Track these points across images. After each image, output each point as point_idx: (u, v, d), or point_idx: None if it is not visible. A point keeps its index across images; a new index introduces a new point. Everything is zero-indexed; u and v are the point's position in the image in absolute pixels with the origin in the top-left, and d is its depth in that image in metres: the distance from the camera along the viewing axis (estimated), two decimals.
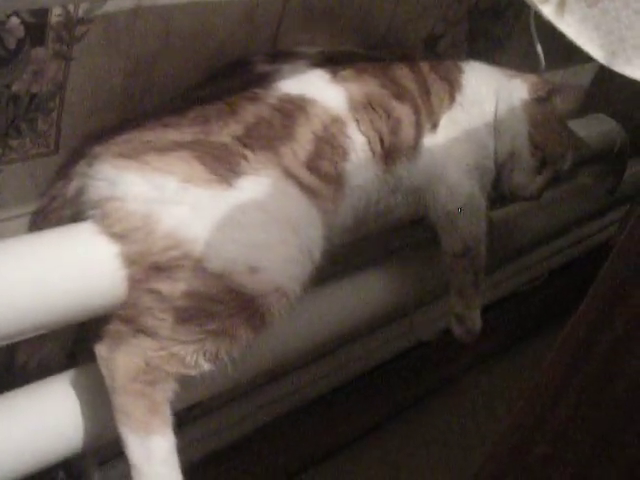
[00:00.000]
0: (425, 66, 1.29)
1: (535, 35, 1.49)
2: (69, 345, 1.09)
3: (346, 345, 1.76)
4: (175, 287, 0.93)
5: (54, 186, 1.04)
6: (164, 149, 0.98)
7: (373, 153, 1.15)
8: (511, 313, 2.23)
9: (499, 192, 1.40)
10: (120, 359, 0.93)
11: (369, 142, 1.14)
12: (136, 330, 0.93)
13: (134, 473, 0.91)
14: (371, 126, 1.14)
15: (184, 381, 0.97)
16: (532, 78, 1.40)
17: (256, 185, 0.99)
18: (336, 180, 1.09)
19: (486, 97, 1.35)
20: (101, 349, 0.94)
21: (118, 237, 0.93)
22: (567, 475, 0.86)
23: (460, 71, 1.35)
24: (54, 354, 1.08)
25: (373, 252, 1.45)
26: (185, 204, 0.94)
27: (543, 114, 1.35)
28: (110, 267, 0.93)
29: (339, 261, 1.15)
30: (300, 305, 1.05)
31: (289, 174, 1.03)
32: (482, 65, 1.41)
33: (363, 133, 1.13)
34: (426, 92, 1.26)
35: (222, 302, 0.94)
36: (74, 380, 1.00)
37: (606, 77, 1.93)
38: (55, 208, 1.03)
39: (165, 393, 0.95)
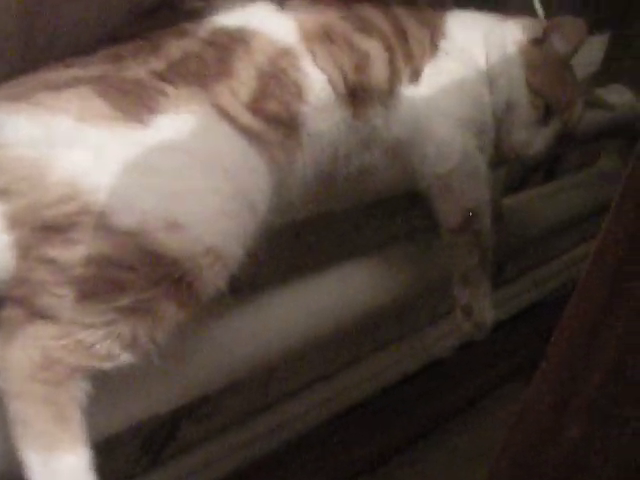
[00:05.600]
0: (400, 10, 1.11)
1: None
2: None
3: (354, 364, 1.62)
4: (73, 252, 0.72)
5: None
6: (61, 86, 0.79)
7: (336, 93, 0.97)
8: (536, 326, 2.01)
9: (501, 155, 1.20)
10: (14, 353, 0.72)
11: (329, 79, 0.96)
12: (31, 313, 0.73)
13: None
14: (331, 60, 0.96)
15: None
16: (526, 20, 1.23)
17: (177, 123, 0.80)
18: (288, 123, 0.91)
19: (475, 42, 1.18)
20: None
21: (0, 192, 0.73)
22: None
23: (442, 18, 1.18)
24: None
25: (366, 239, 1.25)
26: (82, 146, 0.75)
27: (541, 56, 1.18)
28: None
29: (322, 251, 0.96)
30: (278, 298, 0.96)
31: (225, 114, 0.85)
32: (467, 12, 1.24)
33: (321, 68, 0.95)
34: (402, 33, 1.08)
35: (135, 269, 0.74)
36: None
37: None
38: None
39: (73, 395, 0.74)
